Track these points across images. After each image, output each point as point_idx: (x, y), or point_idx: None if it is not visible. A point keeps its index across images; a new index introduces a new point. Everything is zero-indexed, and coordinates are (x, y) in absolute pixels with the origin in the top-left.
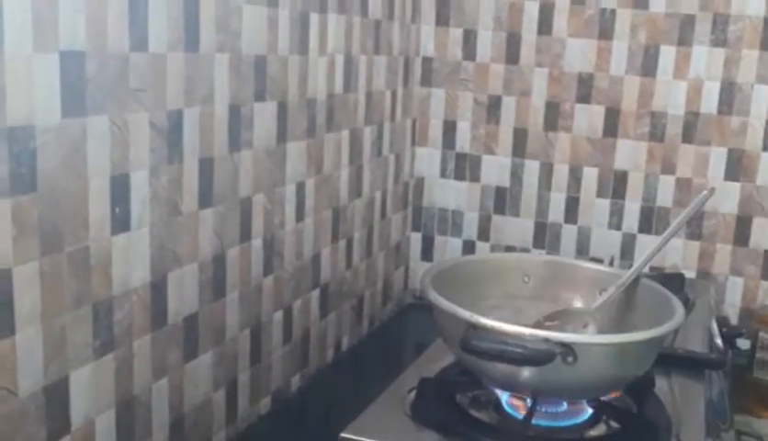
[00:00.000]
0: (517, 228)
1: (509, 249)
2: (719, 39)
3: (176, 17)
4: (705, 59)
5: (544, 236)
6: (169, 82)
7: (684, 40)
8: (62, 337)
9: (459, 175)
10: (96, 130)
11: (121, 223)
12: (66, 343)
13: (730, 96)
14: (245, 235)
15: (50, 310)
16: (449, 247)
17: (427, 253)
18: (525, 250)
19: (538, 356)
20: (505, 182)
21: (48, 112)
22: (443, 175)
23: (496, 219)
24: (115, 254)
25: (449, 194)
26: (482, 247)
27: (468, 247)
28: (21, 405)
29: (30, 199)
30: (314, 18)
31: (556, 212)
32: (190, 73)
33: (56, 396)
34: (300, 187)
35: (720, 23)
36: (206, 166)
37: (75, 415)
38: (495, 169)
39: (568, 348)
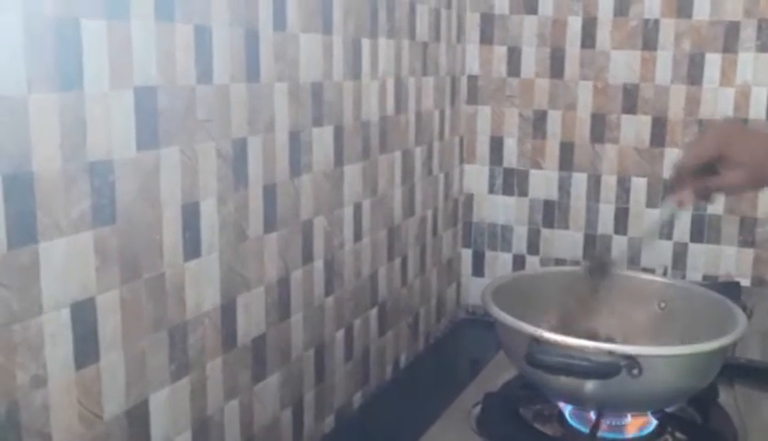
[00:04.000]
0: (567, 241)
1: (559, 262)
2: (766, 45)
3: (238, 49)
4: (752, 65)
5: (594, 248)
6: (233, 112)
7: (730, 47)
8: (142, 362)
9: (507, 191)
10: (168, 160)
11: (193, 250)
12: (146, 367)
13: None
14: (307, 257)
15: (131, 335)
16: (499, 262)
17: (478, 268)
18: (576, 263)
19: (604, 369)
20: (553, 195)
21: (124, 146)
22: (491, 190)
23: (545, 232)
24: (188, 280)
25: (498, 209)
26: (532, 261)
27: (519, 261)
28: (106, 429)
29: (110, 230)
30: (366, 43)
31: (605, 224)
32: (252, 102)
33: (138, 419)
34: (357, 208)
35: (766, 28)
36: (269, 192)
37: (156, 437)
38: (543, 183)
39: (633, 361)
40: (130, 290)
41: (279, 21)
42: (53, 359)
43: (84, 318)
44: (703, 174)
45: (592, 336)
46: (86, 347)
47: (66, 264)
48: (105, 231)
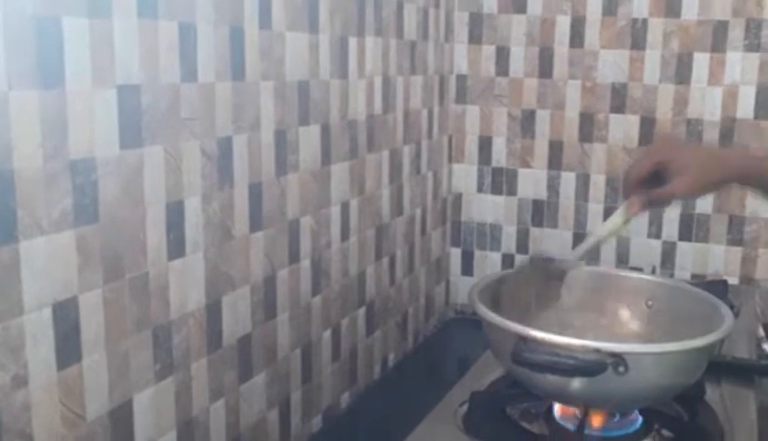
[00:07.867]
0: (555, 240)
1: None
2: (753, 44)
3: (223, 48)
4: (740, 64)
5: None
6: (218, 110)
7: (718, 47)
8: (126, 362)
9: (496, 190)
10: (152, 159)
11: (177, 249)
12: (129, 367)
13: (767, 100)
14: (294, 256)
15: (114, 335)
16: (489, 261)
17: (467, 267)
18: None
19: (590, 367)
20: (542, 194)
21: (107, 144)
22: (480, 189)
23: (534, 231)
24: (172, 279)
25: (487, 208)
26: (521, 260)
27: (508, 260)
28: (89, 429)
29: (93, 229)
30: (353, 42)
31: (594, 223)
32: (237, 101)
33: (121, 419)
34: (345, 208)
35: (753, 27)
36: (255, 191)
37: (139, 438)
38: (532, 182)
39: (619, 358)
40: (113, 290)
41: (265, 19)
42: (34, 359)
43: (65, 318)
44: (651, 184)
45: (579, 334)
46: (68, 347)
47: (47, 263)
48: (87, 230)
